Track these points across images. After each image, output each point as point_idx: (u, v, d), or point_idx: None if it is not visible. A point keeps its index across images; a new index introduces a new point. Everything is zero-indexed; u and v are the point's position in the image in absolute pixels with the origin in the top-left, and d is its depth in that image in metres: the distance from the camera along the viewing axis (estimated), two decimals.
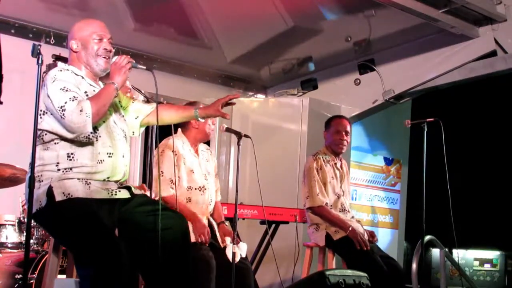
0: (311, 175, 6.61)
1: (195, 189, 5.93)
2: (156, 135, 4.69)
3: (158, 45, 8.05)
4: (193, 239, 5.41)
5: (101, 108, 4.14)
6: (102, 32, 4.38)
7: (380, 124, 10.17)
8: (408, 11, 7.27)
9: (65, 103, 4.08)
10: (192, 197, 5.90)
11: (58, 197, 4.09)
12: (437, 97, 9.34)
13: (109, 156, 4.27)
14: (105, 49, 4.36)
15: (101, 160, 4.23)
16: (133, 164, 7.55)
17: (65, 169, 4.16)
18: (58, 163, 4.17)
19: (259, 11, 7.46)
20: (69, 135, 4.13)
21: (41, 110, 4.14)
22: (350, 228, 6.44)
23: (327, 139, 6.79)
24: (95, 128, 4.22)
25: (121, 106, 4.59)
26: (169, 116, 4.68)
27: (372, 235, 6.73)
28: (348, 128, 6.80)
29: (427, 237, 6.71)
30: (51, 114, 4.15)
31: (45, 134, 4.20)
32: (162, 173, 5.72)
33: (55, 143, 4.19)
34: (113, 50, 4.39)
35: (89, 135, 4.13)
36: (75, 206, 4.09)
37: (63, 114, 4.07)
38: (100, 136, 4.26)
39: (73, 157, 4.18)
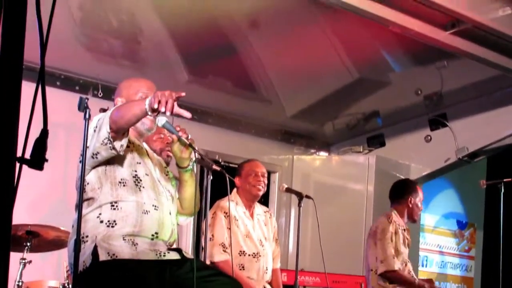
0: (385, 238, 6.56)
1: (249, 255, 5.89)
2: (206, 195, 4.43)
3: (213, 99, 7.97)
4: None
5: (122, 113, 3.82)
6: (149, 91, 4.16)
7: (452, 185, 10.23)
8: (483, 62, 7.03)
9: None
10: (245, 264, 5.86)
11: (102, 257, 3.90)
12: None
13: (155, 209, 4.08)
14: None
15: (146, 211, 4.05)
16: (185, 228, 7.51)
17: (108, 221, 3.98)
18: (100, 214, 3.99)
19: (322, 62, 7.38)
20: (96, 142, 3.89)
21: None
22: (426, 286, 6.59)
23: (409, 208, 6.76)
24: (138, 178, 4.09)
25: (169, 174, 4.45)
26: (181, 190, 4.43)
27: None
28: None
29: None
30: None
31: (87, 184, 4.01)
32: (213, 236, 5.68)
33: (96, 195, 4.00)
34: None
35: (115, 147, 3.85)
36: (120, 268, 3.91)
37: (96, 123, 3.94)
38: (143, 187, 4.09)
39: (116, 206, 4.01)
